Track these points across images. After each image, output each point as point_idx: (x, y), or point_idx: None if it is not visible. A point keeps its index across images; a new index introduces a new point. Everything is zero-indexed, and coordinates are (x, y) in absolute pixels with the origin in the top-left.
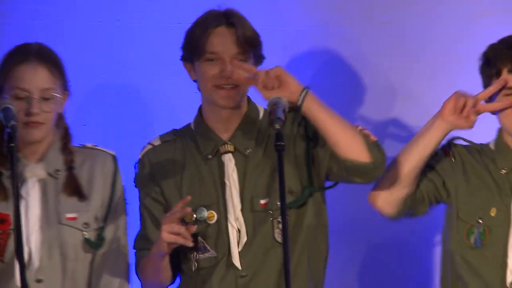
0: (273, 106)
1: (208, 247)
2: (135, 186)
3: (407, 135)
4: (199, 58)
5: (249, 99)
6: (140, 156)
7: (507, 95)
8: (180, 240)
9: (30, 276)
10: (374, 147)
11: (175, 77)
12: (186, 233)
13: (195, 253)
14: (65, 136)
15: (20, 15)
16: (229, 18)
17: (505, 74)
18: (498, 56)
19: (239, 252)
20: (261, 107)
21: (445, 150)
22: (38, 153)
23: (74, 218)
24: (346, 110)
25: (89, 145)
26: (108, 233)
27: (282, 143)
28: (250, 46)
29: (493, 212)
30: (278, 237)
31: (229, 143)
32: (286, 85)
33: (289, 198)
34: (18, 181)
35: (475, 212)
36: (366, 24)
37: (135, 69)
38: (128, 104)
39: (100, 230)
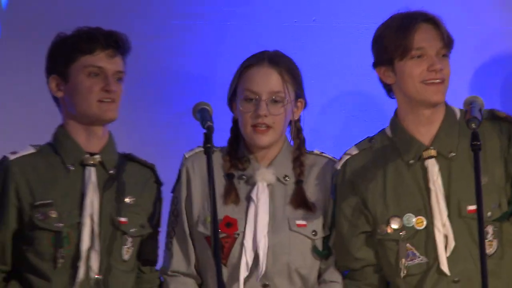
0: (469, 105)
1: (418, 253)
2: (332, 196)
3: None
4: (403, 56)
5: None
6: (339, 167)
7: None
8: None
9: (255, 281)
10: None
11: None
12: None
13: (403, 260)
14: (299, 148)
15: (215, 17)
16: (426, 16)
17: None
18: None
19: (447, 258)
20: (456, 108)
21: None
22: (269, 157)
23: (304, 225)
24: None
25: (316, 151)
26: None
27: (479, 143)
28: (450, 42)
29: None
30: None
31: (431, 147)
32: None
33: (497, 213)
34: (214, 185)
35: None
36: None
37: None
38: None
39: (326, 239)
